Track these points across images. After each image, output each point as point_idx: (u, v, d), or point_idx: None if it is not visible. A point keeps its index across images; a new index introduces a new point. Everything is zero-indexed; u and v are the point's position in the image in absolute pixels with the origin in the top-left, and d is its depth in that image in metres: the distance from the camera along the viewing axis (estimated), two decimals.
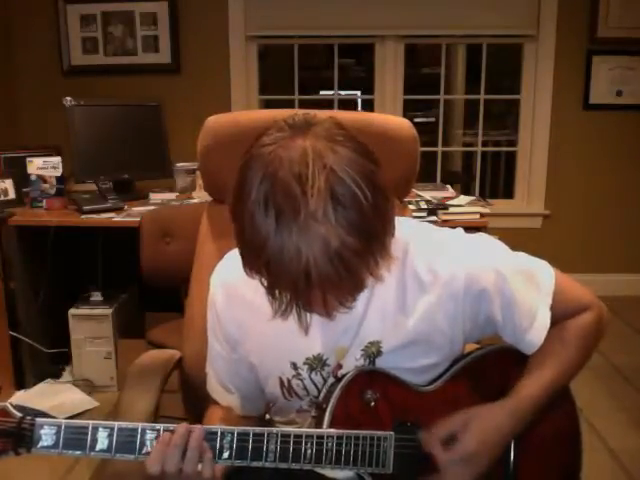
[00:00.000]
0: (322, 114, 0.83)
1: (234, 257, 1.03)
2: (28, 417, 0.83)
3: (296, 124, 0.79)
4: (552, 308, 0.99)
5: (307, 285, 0.74)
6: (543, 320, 0.98)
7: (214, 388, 1.10)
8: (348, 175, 0.74)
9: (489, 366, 1.02)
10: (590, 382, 2.55)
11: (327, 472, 0.96)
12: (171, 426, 0.85)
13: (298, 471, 0.90)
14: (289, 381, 1.00)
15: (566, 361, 0.98)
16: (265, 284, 0.79)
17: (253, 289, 0.98)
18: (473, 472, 0.92)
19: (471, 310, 0.96)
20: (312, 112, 0.83)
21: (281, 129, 0.79)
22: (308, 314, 0.83)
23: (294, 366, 0.99)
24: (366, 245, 0.75)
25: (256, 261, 0.77)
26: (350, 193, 0.74)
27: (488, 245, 1.00)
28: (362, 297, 0.94)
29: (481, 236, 1.02)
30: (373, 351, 0.96)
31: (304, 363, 0.98)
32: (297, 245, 0.72)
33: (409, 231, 0.97)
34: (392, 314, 0.96)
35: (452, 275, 0.94)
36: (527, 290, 0.98)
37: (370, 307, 0.96)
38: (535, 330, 0.98)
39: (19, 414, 0.83)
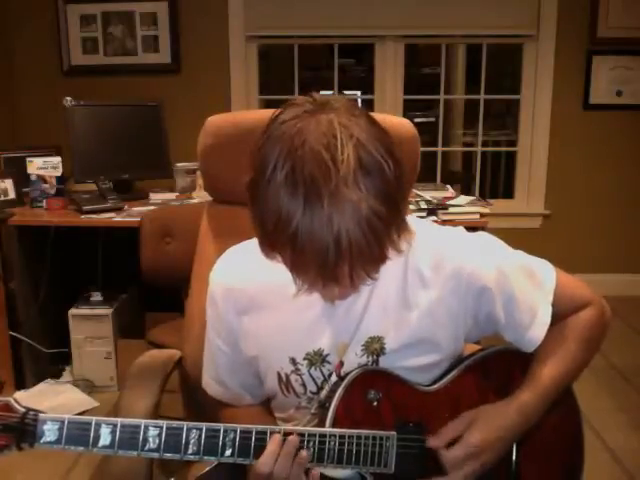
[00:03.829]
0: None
1: (234, 254, 1.04)
2: (31, 412, 0.83)
3: (316, 101, 0.80)
4: (553, 305, 0.99)
5: (336, 254, 0.74)
6: (544, 317, 0.98)
7: (207, 383, 1.11)
8: (373, 145, 0.76)
9: (492, 367, 1.02)
10: (590, 382, 2.55)
11: (327, 471, 0.96)
12: (174, 423, 0.85)
13: None
14: (287, 376, 1.00)
15: (570, 358, 0.98)
16: (288, 261, 0.79)
17: (254, 284, 0.98)
18: (477, 468, 0.92)
19: (473, 307, 0.96)
20: (326, 92, 0.83)
21: (300, 106, 0.80)
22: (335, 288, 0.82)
23: (293, 361, 0.98)
24: (390, 213, 0.76)
25: (280, 237, 0.76)
26: (376, 162, 0.75)
27: (489, 243, 1.01)
28: (364, 292, 0.94)
29: (482, 234, 1.03)
30: (376, 348, 0.96)
31: (304, 358, 0.98)
32: (329, 213, 0.72)
33: (412, 227, 0.97)
34: (394, 309, 0.96)
35: (454, 271, 0.94)
36: (528, 287, 0.98)
37: (371, 302, 0.96)
38: (536, 326, 0.98)
39: (22, 409, 0.83)
